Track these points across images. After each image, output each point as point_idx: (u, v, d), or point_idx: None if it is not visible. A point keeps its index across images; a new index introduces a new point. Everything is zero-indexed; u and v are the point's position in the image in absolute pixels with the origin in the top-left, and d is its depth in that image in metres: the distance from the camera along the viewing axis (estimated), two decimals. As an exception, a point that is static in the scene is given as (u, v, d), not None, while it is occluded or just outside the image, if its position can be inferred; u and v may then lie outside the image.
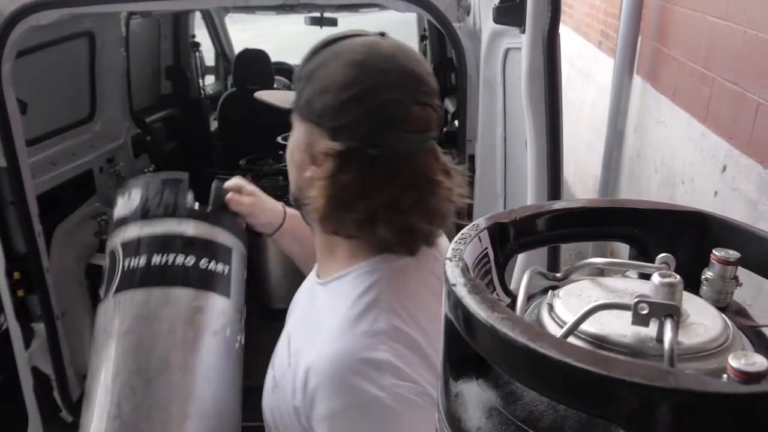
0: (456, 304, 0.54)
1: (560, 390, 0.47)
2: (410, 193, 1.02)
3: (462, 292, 0.54)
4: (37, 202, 2.72)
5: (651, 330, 0.55)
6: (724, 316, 0.60)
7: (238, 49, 5.87)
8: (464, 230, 0.63)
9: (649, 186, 4.04)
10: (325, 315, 1.04)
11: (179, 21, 4.58)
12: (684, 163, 3.53)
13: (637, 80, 4.28)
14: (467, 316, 0.52)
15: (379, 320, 0.98)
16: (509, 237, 0.68)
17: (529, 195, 1.79)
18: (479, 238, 0.64)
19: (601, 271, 0.76)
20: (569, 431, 0.50)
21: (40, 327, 2.81)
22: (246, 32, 8.32)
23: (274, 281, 3.75)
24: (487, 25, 2.18)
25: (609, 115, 4.47)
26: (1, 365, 2.75)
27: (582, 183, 5.64)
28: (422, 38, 5.43)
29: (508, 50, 2.13)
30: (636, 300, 0.54)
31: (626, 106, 4.38)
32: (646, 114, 4.12)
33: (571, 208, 0.71)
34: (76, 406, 2.93)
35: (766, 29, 2.70)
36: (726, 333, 0.57)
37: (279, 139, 3.93)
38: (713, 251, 0.64)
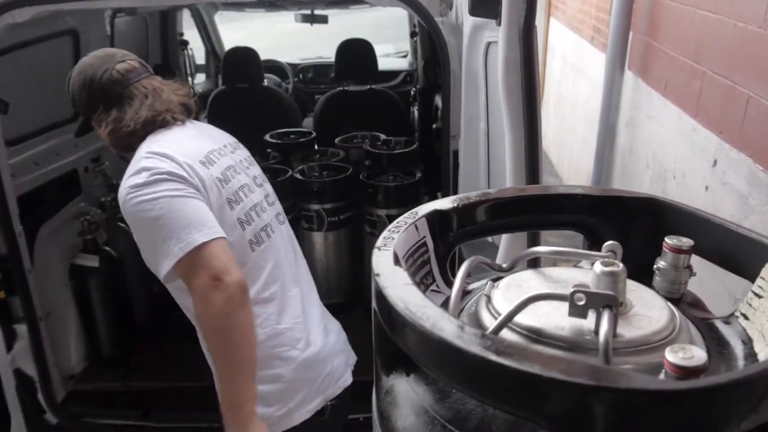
0: (378, 295, 0.50)
1: (478, 387, 0.43)
2: (144, 101, 1.80)
3: (384, 282, 0.50)
4: (20, 202, 2.68)
5: (590, 322, 0.51)
6: (672, 307, 0.56)
7: (230, 47, 5.84)
8: (400, 218, 0.59)
9: (641, 181, 4.01)
10: None
11: (167, 19, 4.54)
12: (675, 158, 3.49)
13: (628, 75, 4.24)
14: (388, 308, 0.48)
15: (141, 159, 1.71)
16: (451, 226, 0.64)
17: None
18: (416, 226, 0.61)
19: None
20: (497, 431, 0.47)
21: (22, 328, 2.77)
22: (242, 31, 8.29)
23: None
24: (469, 19, 2.14)
25: (601, 110, 4.43)
26: (-18, 367, 2.71)
27: (576, 179, 5.61)
28: (412, 35, 5.39)
29: (489, 44, 2.09)
30: (572, 290, 0.50)
31: (618, 101, 4.34)
32: (637, 109, 4.09)
33: (518, 196, 0.67)
34: (61, 408, 2.90)
35: (755, 22, 2.66)
36: (672, 325, 0.53)
37: (267, 137, 3.90)
38: (665, 239, 0.60)
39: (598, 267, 0.52)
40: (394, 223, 0.60)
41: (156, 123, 1.80)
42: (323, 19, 4.93)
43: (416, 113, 4.99)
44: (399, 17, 5.84)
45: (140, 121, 1.78)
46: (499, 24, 1.65)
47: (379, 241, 0.56)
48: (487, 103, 2.24)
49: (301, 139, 3.95)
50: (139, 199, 1.60)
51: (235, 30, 7.09)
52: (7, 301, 2.74)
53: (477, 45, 2.16)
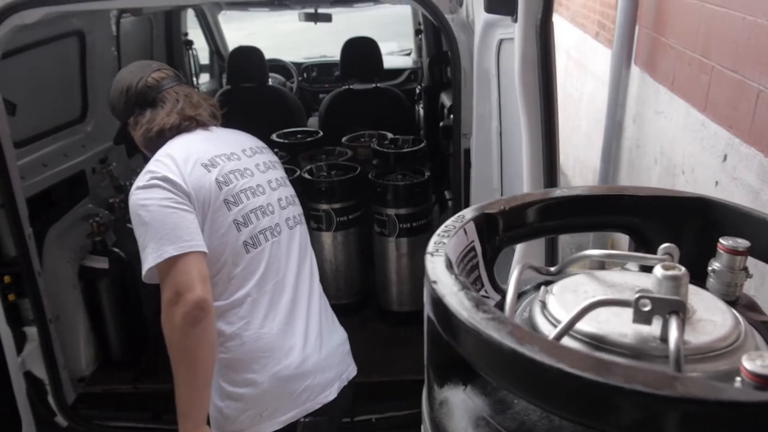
0: (436, 302, 0.48)
1: (551, 398, 0.42)
2: (176, 105, 1.93)
3: (443, 290, 0.49)
4: (29, 204, 2.67)
5: (654, 328, 0.50)
6: (734, 311, 0.55)
7: (233, 47, 5.82)
8: (448, 222, 0.58)
9: (649, 177, 3.99)
10: None
11: (171, 19, 4.52)
12: (684, 153, 3.48)
13: (635, 70, 4.22)
14: (448, 316, 0.47)
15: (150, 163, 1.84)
16: (497, 229, 0.63)
17: (525, 187, 1.74)
18: (464, 230, 0.59)
19: (602, 265, 0.71)
20: (564, 444, 0.45)
21: (32, 331, 2.76)
22: (242, 31, 8.27)
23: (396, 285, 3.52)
24: (480, 15, 2.12)
25: (607, 106, 4.41)
26: (-6, 370, 2.70)
27: (582, 176, 5.59)
28: (417, 32, 5.37)
29: (501, 41, 2.07)
30: (637, 296, 0.48)
31: (624, 97, 4.32)
32: (644, 104, 4.07)
33: (565, 197, 0.65)
34: (71, 411, 2.89)
35: (765, 15, 2.64)
36: (738, 330, 0.51)
37: (274, 137, 3.89)
38: (720, 240, 0.58)
39: (659, 271, 0.50)
40: (443, 227, 0.59)
41: (182, 127, 1.92)
42: (327, 18, 4.91)
43: (421, 111, 4.97)
44: (402, 15, 5.82)
45: (169, 124, 1.90)
46: (515, 21, 1.63)
47: (431, 246, 0.55)
48: (499, 102, 2.23)
49: (309, 139, 3.93)
50: (137, 202, 1.73)
51: (235, 30, 7.08)
52: (17, 304, 2.72)
53: (489, 42, 2.14)
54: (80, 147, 3.40)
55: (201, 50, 5.41)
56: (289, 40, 8.44)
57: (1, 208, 2.58)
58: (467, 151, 2.43)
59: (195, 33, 5.36)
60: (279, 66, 5.64)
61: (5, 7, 2.26)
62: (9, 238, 2.62)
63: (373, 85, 4.52)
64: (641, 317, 0.49)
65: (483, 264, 0.63)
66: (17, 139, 2.72)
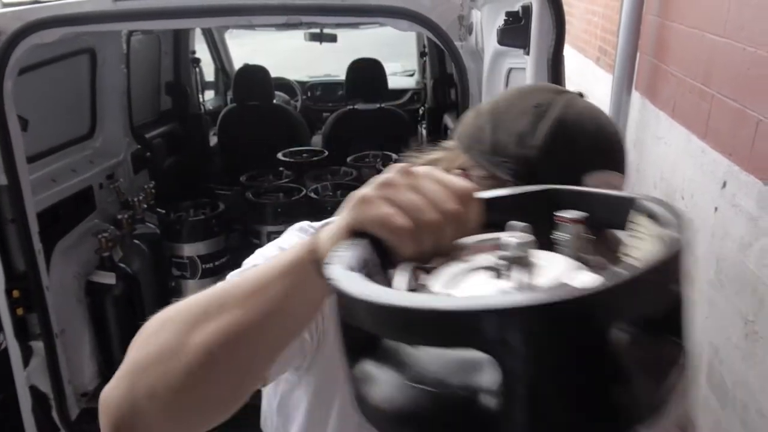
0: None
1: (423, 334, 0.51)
2: None
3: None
4: (37, 219, 2.70)
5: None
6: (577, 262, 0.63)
7: (237, 63, 5.86)
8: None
9: (648, 202, 4.03)
10: None
11: (179, 37, 4.58)
12: (684, 178, 3.53)
13: (635, 96, 4.29)
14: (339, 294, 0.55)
15: None
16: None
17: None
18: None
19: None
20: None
21: (38, 345, 2.78)
22: (245, 47, 8.31)
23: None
24: (490, 45, 2.18)
25: (608, 130, 4.46)
26: (0, 384, 2.72)
27: (581, 198, 5.64)
28: (422, 54, 5.44)
29: (510, 70, 2.13)
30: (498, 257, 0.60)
31: (625, 122, 4.38)
32: (645, 130, 4.13)
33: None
34: (74, 426, 2.90)
35: (764, 46, 2.71)
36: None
37: (280, 156, 3.94)
38: (556, 213, 0.67)
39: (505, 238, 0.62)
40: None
41: None
42: (332, 38, 4.99)
43: (424, 132, 5.03)
44: (406, 36, 5.87)
45: None
46: (527, 53, 1.68)
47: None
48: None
49: (314, 158, 3.98)
50: None
51: (238, 46, 7.13)
52: (25, 318, 2.75)
53: (498, 70, 2.20)
54: (88, 163, 3.45)
55: (206, 66, 5.46)
56: (290, 57, 8.51)
57: (11, 223, 2.62)
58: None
59: (198, 48, 5.41)
60: (283, 84, 5.70)
61: (27, 26, 2.31)
62: (18, 252, 2.66)
63: (378, 105, 4.58)
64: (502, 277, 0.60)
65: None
66: (28, 154, 2.76)
